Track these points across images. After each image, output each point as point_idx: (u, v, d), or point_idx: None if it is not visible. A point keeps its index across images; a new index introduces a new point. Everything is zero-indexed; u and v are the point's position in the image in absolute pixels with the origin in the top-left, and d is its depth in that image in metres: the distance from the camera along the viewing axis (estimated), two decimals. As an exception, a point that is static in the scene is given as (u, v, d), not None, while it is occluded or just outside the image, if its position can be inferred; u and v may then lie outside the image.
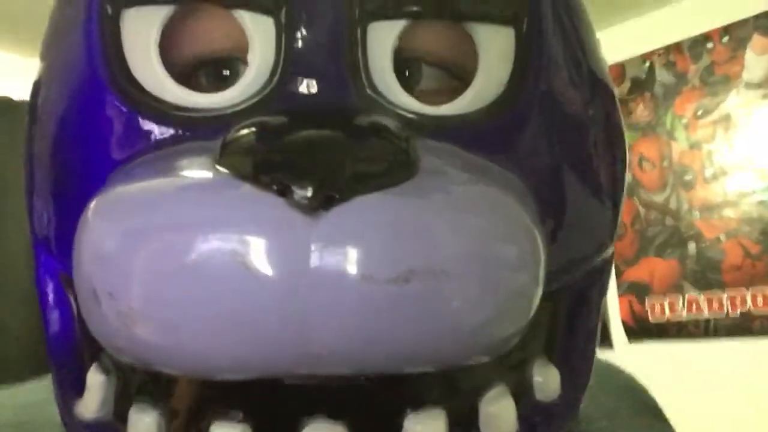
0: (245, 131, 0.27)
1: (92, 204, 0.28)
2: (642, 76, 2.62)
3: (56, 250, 0.33)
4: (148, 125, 0.30)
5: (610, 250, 0.36)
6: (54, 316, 0.34)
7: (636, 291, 2.60)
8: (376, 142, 0.27)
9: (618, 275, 2.61)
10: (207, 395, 0.29)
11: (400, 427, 0.28)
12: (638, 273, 2.60)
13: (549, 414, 0.32)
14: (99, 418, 0.31)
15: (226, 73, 0.32)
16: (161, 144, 0.30)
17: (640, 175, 2.59)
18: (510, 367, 0.31)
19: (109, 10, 0.32)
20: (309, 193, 0.24)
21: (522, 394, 0.31)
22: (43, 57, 0.35)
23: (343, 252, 0.24)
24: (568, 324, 0.34)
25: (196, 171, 0.27)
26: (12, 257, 1.95)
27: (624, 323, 2.62)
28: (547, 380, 0.32)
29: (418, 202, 0.26)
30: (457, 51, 0.32)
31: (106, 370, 0.31)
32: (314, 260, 0.24)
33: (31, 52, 2.29)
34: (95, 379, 0.31)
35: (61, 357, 0.34)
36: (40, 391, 0.43)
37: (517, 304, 0.27)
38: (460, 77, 0.32)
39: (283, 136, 0.26)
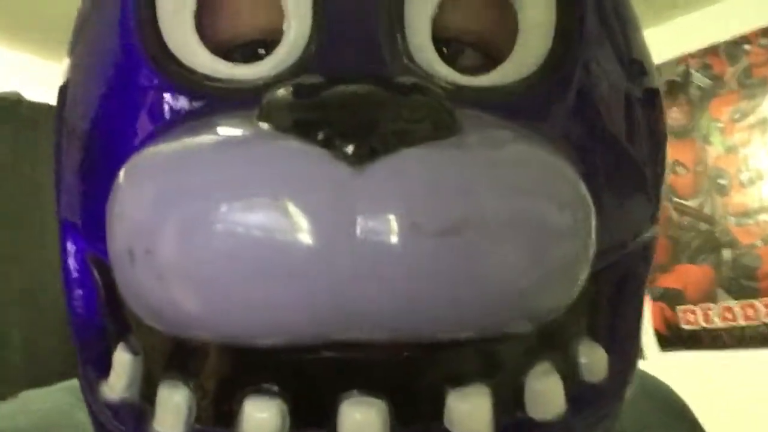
0: (284, 90, 0.26)
1: (128, 164, 0.27)
2: (677, 80, 2.57)
3: (84, 230, 0.32)
4: (181, 96, 0.30)
5: (653, 230, 0.35)
6: (79, 296, 0.33)
7: (668, 298, 2.54)
8: (420, 98, 0.26)
9: (651, 282, 2.50)
10: (239, 371, 0.27)
11: (442, 404, 0.26)
12: (671, 280, 2.54)
13: (596, 395, 0.31)
14: (125, 399, 0.31)
15: (262, 52, 0.31)
16: (194, 115, 0.29)
17: (673, 180, 2.53)
18: (554, 346, 0.29)
19: None
20: (353, 144, 0.24)
21: (568, 374, 0.29)
22: (74, 45, 0.35)
23: (389, 203, 0.23)
24: (612, 305, 0.33)
25: (236, 128, 0.26)
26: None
27: (656, 331, 2.56)
28: (593, 360, 0.31)
29: (468, 155, 0.25)
30: (496, 27, 0.32)
31: (133, 351, 0.30)
32: (359, 212, 0.23)
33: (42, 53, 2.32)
34: (122, 358, 0.31)
35: (86, 338, 0.33)
36: (65, 395, 0.43)
37: (567, 272, 0.26)
38: (498, 58, 0.31)
39: (324, 91, 0.25)
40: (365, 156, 0.24)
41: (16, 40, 2.38)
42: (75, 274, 0.34)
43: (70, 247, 0.34)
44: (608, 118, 0.32)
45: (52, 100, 0.37)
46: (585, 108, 0.31)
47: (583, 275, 0.27)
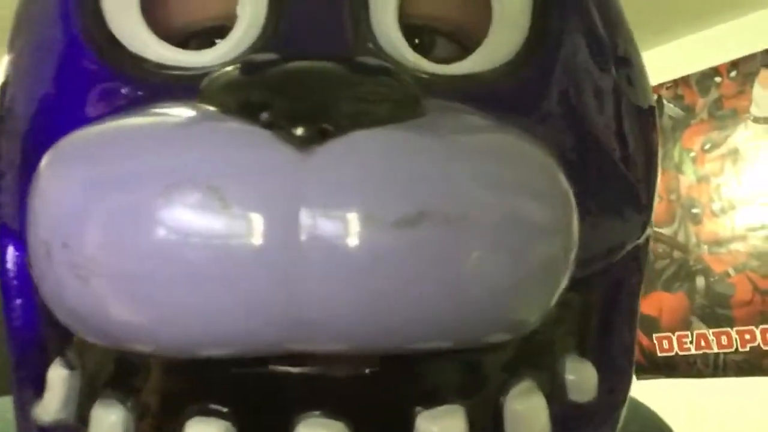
0: (229, 69, 0.24)
1: (48, 152, 0.25)
2: None
3: (22, 232, 0.28)
4: (124, 82, 0.27)
5: (645, 235, 0.32)
6: (17, 306, 0.31)
7: (644, 325, 2.54)
8: (380, 78, 0.24)
9: None
10: (182, 387, 0.25)
11: (411, 425, 0.24)
12: (646, 307, 2.52)
13: (585, 417, 0.29)
14: (59, 421, 0.28)
15: (218, 41, 0.29)
16: (140, 103, 0.26)
17: None
18: (538, 362, 0.27)
19: None
20: (301, 125, 0.21)
21: (553, 393, 0.27)
22: (12, 41, 0.33)
23: (340, 190, 0.21)
24: (602, 316, 0.31)
25: (171, 109, 0.24)
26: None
27: None
28: (581, 378, 0.28)
29: (432, 139, 0.22)
30: (469, 12, 0.30)
31: (69, 366, 0.28)
32: (307, 202, 0.21)
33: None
34: (57, 375, 0.28)
35: (22, 352, 0.30)
36: None
37: (546, 271, 0.24)
38: (473, 43, 0.29)
39: (272, 68, 0.23)
40: (314, 138, 0.21)
41: None
42: (13, 282, 0.31)
43: (9, 252, 0.31)
44: (591, 116, 0.30)
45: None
46: (564, 101, 0.29)
47: (564, 277, 0.25)
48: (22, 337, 0.30)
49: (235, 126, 0.22)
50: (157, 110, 0.24)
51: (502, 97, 0.28)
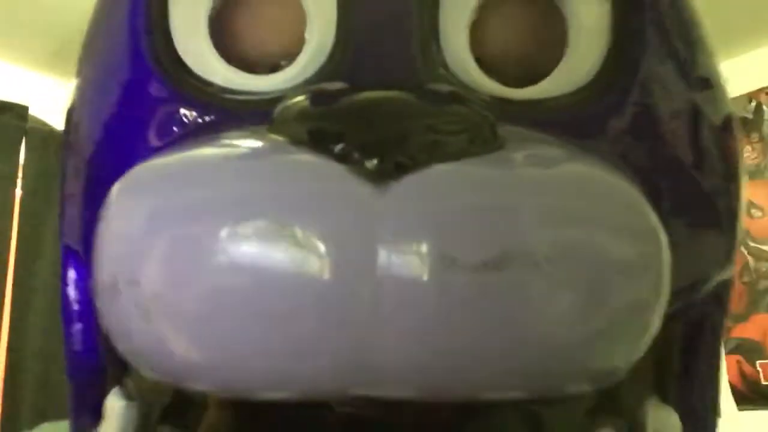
0: (300, 98, 0.24)
1: (118, 182, 0.25)
2: (749, 116, 2.45)
3: (86, 256, 0.28)
4: (192, 109, 0.27)
5: (728, 272, 0.31)
6: (78, 331, 0.31)
7: (745, 351, 2.37)
8: (456, 107, 0.23)
9: (725, 333, 2.06)
10: (240, 425, 0.25)
11: None
12: (748, 330, 2.38)
13: None
14: None
15: (284, 63, 0.28)
16: (206, 130, 0.26)
17: (748, 223, 2.38)
18: (617, 409, 0.26)
19: None
20: (376, 158, 0.21)
21: None
22: (83, 61, 0.33)
23: (418, 230, 0.20)
24: (684, 358, 0.30)
25: (242, 140, 0.24)
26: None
27: (732, 386, 2.38)
28: (665, 427, 0.27)
29: (512, 174, 0.22)
30: (541, 34, 0.29)
31: (128, 396, 0.28)
32: (382, 240, 0.20)
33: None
34: (115, 405, 0.28)
35: (81, 377, 0.31)
36: None
37: (634, 318, 0.23)
38: (546, 64, 0.28)
39: (343, 99, 0.23)
40: (390, 172, 0.21)
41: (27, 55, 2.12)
42: (75, 306, 0.31)
43: (71, 275, 0.31)
44: (672, 140, 0.29)
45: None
46: (645, 126, 0.28)
47: (654, 322, 0.23)
48: (81, 363, 0.31)
49: (307, 158, 0.21)
50: (227, 141, 0.24)
51: (579, 123, 0.27)
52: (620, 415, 0.26)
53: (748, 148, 2.51)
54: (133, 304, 0.22)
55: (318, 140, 0.22)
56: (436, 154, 0.21)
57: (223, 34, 0.29)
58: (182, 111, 0.27)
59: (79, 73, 0.33)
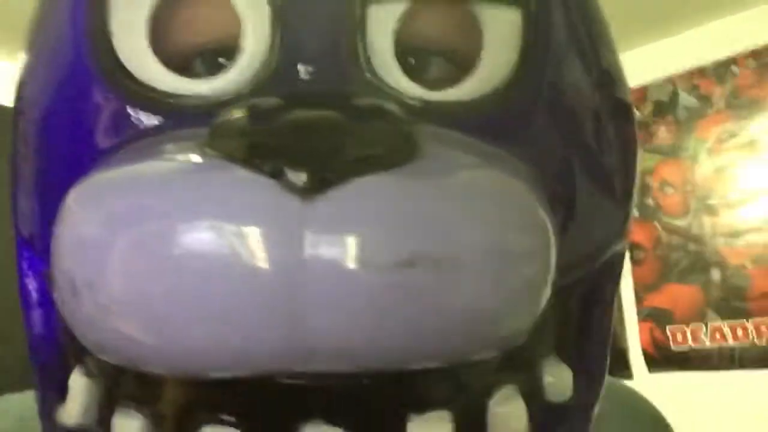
0: (236, 114, 0.26)
1: (73, 190, 0.26)
2: (665, 100, 2.55)
3: (39, 247, 0.31)
4: (135, 113, 0.29)
5: (622, 244, 0.34)
6: (37, 316, 0.32)
7: (657, 318, 2.50)
8: (376, 123, 0.25)
9: (639, 301, 2.52)
10: (196, 397, 0.27)
11: (403, 430, 0.26)
12: (660, 299, 2.50)
13: (562, 416, 0.31)
14: (81, 425, 0.29)
15: (222, 61, 0.30)
16: (149, 133, 0.28)
17: (661, 199, 2.50)
18: (519, 368, 0.29)
19: None
20: (304, 174, 0.23)
21: (532, 395, 0.29)
22: (29, 48, 0.33)
23: (340, 236, 0.22)
24: (579, 321, 0.33)
25: (183, 154, 0.26)
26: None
27: (644, 352, 2.51)
28: (558, 380, 0.30)
29: (423, 184, 0.24)
30: (461, 36, 0.31)
31: (89, 374, 0.29)
32: (309, 246, 0.22)
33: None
34: (78, 383, 0.29)
35: (44, 359, 0.32)
36: None
37: (528, 296, 0.26)
38: (465, 68, 0.30)
39: (276, 116, 0.25)
40: (316, 187, 0.23)
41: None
42: (33, 293, 0.32)
43: (27, 264, 0.32)
44: (577, 130, 0.32)
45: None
46: (553, 121, 0.31)
47: (546, 293, 0.26)
48: (44, 345, 0.32)
49: (243, 174, 0.23)
50: (172, 155, 0.26)
51: (493, 124, 0.29)
52: (521, 373, 0.29)
53: (663, 129, 2.60)
54: (92, 305, 0.24)
55: (252, 157, 0.23)
56: (357, 168, 0.23)
57: (161, 36, 0.30)
58: (124, 114, 0.29)
59: (29, 49, 0.33)
